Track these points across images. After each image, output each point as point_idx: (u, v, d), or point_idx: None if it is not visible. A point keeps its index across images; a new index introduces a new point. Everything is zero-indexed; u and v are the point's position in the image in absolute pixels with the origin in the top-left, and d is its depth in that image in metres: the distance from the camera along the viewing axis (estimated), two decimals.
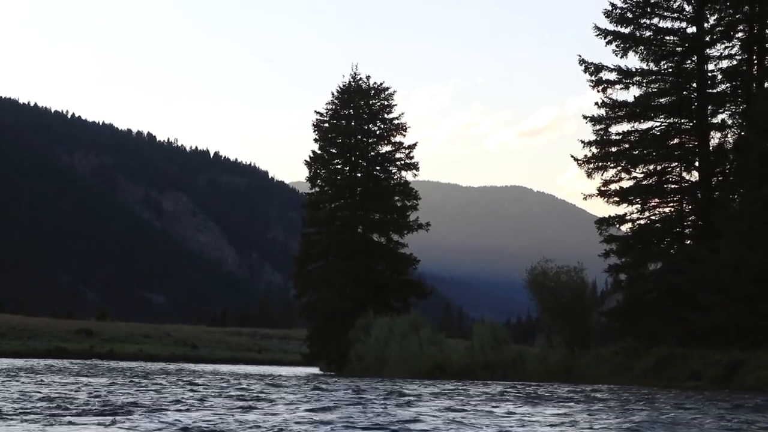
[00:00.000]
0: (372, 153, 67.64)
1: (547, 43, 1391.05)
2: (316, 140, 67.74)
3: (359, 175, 67.50)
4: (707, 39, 48.79)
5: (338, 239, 64.83)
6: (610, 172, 49.92)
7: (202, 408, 17.64)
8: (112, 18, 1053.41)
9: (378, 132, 67.64)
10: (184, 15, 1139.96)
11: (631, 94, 49.99)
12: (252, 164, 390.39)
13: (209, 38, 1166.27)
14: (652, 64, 49.73)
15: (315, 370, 64.64)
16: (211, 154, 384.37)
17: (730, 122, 48.49)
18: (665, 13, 49.47)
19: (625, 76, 49.65)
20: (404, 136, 67.48)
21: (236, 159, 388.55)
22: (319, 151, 67.58)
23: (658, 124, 49.73)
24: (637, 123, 49.97)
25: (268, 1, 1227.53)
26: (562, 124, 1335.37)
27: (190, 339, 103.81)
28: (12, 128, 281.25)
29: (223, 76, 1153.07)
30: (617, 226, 50.35)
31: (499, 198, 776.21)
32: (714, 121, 48.87)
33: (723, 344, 39.63)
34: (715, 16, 48.96)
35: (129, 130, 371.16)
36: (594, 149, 50.13)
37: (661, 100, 49.64)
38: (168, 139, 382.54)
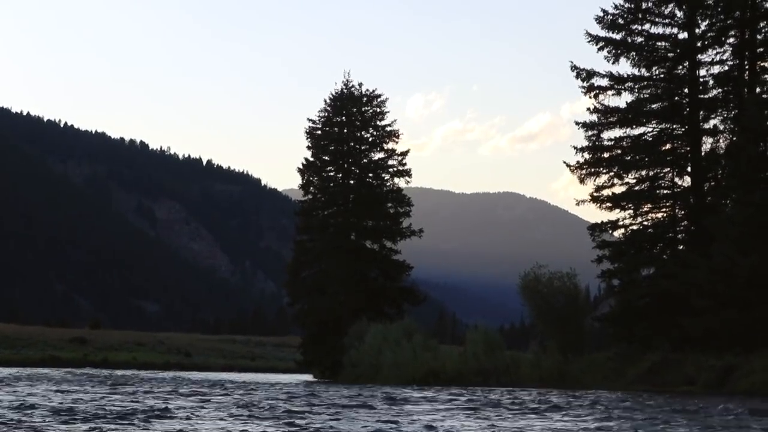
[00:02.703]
0: (365, 160, 67.73)
1: (541, 49, 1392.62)
2: (308, 147, 67.88)
3: (352, 182, 67.55)
4: (699, 45, 48.95)
5: (331, 246, 64.83)
6: (603, 178, 50.16)
7: (197, 417, 17.58)
8: (103, 27, 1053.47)
9: (371, 139, 67.73)
10: (176, 24, 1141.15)
11: (623, 99, 50.23)
12: (245, 172, 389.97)
13: (201, 47, 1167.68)
14: (643, 70, 49.90)
15: (309, 377, 64.61)
16: (204, 162, 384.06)
17: (722, 127, 48.61)
18: (656, 19, 49.65)
19: (617, 81, 49.80)
20: (397, 143, 67.70)
21: (229, 167, 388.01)
22: (311, 159, 67.65)
23: (650, 129, 49.87)
24: (629, 129, 50.16)
25: (261, 8, 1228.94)
26: (556, 131, 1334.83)
27: (184, 347, 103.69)
28: (5, 137, 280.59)
29: (216, 84, 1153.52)
30: (610, 231, 50.49)
31: (492, 204, 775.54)
32: (706, 126, 49.01)
33: (716, 349, 39.70)
34: (707, 22, 49.11)
35: (122, 139, 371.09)
36: (586, 155, 50.31)
37: (653, 106, 49.79)
38: (161, 147, 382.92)
